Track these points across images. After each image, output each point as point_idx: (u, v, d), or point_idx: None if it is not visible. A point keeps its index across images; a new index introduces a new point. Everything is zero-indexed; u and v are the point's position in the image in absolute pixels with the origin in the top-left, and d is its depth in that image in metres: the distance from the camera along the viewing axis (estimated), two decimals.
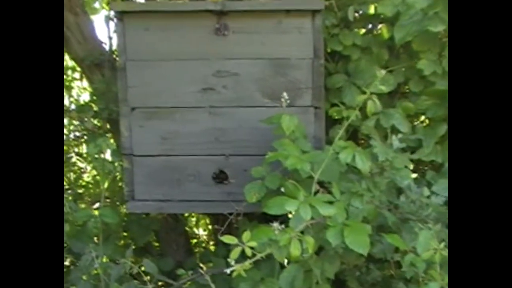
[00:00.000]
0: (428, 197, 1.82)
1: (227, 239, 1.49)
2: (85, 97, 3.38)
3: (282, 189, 1.78)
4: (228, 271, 1.46)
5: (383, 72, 1.72)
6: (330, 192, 1.73)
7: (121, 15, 2.01)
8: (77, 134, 3.10)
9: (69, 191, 3.00)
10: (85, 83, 3.35)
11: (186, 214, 3.10)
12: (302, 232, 1.53)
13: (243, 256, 1.51)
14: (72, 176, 3.26)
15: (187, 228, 3.03)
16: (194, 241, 3.23)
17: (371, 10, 2.27)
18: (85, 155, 3.33)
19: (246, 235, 1.48)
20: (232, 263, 1.46)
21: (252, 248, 1.48)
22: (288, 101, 1.83)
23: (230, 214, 1.98)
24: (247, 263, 1.46)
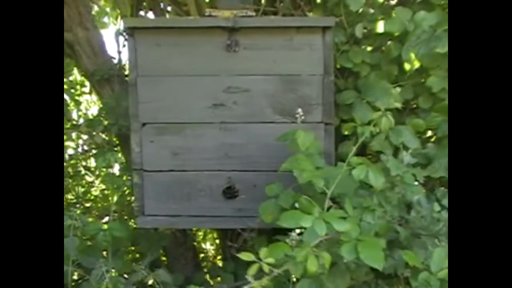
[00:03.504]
0: (439, 212, 1.82)
1: (244, 255, 1.48)
2: (93, 110, 3.41)
3: (296, 205, 1.78)
4: (246, 287, 1.46)
5: (398, 89, 1.73)
6: (342, 208, 1.73)
7: (132, 31, 2.02)
8: (85, 148, 3.12)
9: (77, 205, 3.01)
10: (93, 97, 3.37)
11: (195, 229, 3.11)
12: (315, 247, 1.53)
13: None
14: (80, 190, 3.27)
15: (194, 243, 3.03)
16: (201, 255, 3.22)
17: (380, 27, 2.28)
18: (93, 169, 3.35)
19: (264, 252, 1.48)
20: (250, 279, 1.46)
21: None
22: (303, 117, 1.84)
23: (242, 229, 1.98)
24: (265, 279, 1.46)
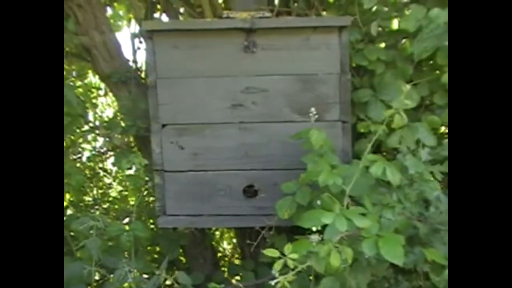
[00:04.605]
0: None
1: (269, 252, 1.51)
2: (109, 113, 3.44)
3: (315, 203, 1.80)
4: (273, 283, 1.48)
5: (408, 86, 1.74)
6: (360, 205, 1.75)
7: (151, 34, 2.05)
8: (102, 150, 3.15)
9: (96, 207, 3.03)
10: (108, 99, 3.41)
11: (213, 229, 3.13)
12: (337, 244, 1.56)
13: (270, 268, 1.54)
14: (98, 191, 3.30)
15: (212, 243, 3.06)
16: (219, 255, 3.24)
17: (395, 25, 2.30)
18: (109, 171, 3.38)
19: (288, 248, 1.50)
20: (276, 275, 1.48)
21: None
22: (316, 116, 1.87)
23: (261, 228, 2.01)
24: (290, 275, 1.49)
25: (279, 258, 1.50)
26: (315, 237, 1.54)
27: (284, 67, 2.04)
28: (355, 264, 1.74)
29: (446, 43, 1.96)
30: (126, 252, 2.24)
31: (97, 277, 2.37)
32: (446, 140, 2.14)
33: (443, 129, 2.42)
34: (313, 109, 1.87)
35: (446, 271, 1.70)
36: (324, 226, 1.60)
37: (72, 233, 2.35)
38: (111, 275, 2.17)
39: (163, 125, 2.08)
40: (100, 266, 2.13)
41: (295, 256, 1.49)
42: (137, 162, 2.02)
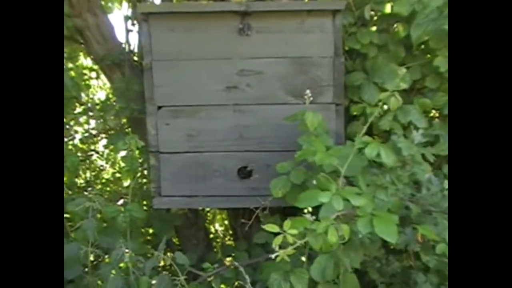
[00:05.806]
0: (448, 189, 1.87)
1: (270, 227, 1.54)
2: (100, 95, 3.44)
3: (309, 183, 1.83)
4: (273, 256, 1.51)
5: (403, 70, 1.77)
6: (353, 185, 1.78)
7: (146, 16, 2.06)
8: (94, 132, 3.16)
9: (89, 189, 3.04)
10: (100, 82, 3.40)
11: (206, 210, 3.15)
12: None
13: (267, 252, 1.55)
14: (91, 174, 3.31)
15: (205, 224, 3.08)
16: (211, 236, 3.27)
17: (387, 9, 2.32)
18: (101, 153, 3.39)
19: (287, 224, 1.53)
20: (276, 248, 1.51)
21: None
22: (311, 98, 1.90)
23: (255, 208, 2.04)
24: (290, 249, 1.52)
25: (279, 233, 1.53)
26: (309, 217, 1.57)
27: (279, 50, 2.06)
28: (349, 243, 1.78)
29: (443, 26, 1.98)
30: (121, 234, 2.25)
31: (91, 258, 2.39)
32: (436, 121, 2.18)
33: (434, 112, 2.45)
34: (308, 91, 1.90)
35: (440, 246, 1.73)
36: (318, 208, 1.63)
37: (66, 215, 2.36)
38: (106, 256, 2.19)
39: (159, 107, 2.10)
40: (95, 247, 2.15)
41: (294, 231, 1.52)
42: (133, 143, 2.03)
